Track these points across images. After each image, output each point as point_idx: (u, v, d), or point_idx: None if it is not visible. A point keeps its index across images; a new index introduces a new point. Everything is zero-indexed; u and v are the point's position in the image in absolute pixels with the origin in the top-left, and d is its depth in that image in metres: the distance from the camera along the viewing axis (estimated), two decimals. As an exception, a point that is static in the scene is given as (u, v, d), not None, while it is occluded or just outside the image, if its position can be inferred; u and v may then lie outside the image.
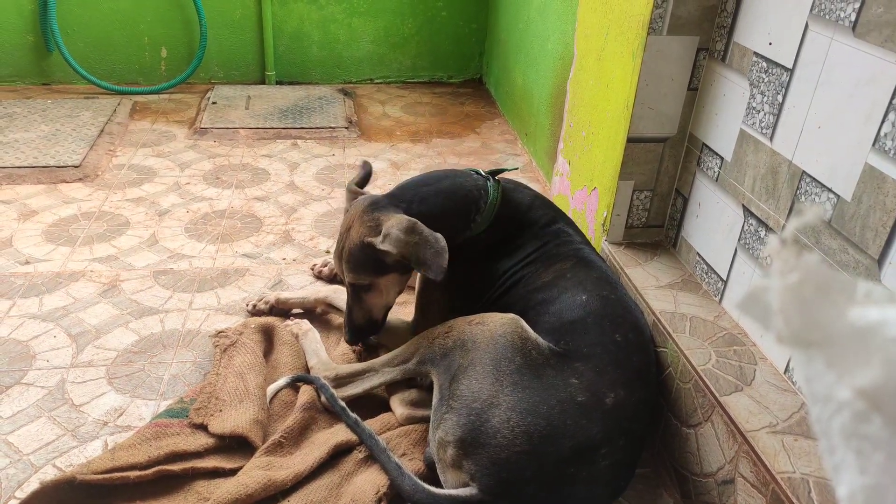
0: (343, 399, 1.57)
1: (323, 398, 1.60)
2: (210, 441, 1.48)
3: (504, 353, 1.35)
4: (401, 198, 1.57)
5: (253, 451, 1.49)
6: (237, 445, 1.49)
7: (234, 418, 1.51)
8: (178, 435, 1.47)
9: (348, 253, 1.53)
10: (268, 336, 1.80)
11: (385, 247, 1.45)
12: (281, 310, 1.95)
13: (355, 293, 1.59)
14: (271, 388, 1.64)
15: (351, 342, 1.68)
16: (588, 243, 1.67)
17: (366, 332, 1.65)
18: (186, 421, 1.51)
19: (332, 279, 2.11)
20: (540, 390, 1.31)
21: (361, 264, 1.52)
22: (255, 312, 1.93)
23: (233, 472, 1.44)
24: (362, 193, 1.68)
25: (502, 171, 1.71)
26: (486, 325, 1.42)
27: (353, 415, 1.54)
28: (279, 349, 1.77)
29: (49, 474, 1.45)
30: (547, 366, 1.35)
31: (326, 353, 1.72)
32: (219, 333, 1.77)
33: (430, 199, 1.56)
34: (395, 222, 1.46)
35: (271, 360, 1.75)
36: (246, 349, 1.71)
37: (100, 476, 1.35)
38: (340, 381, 1.61)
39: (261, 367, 1.68)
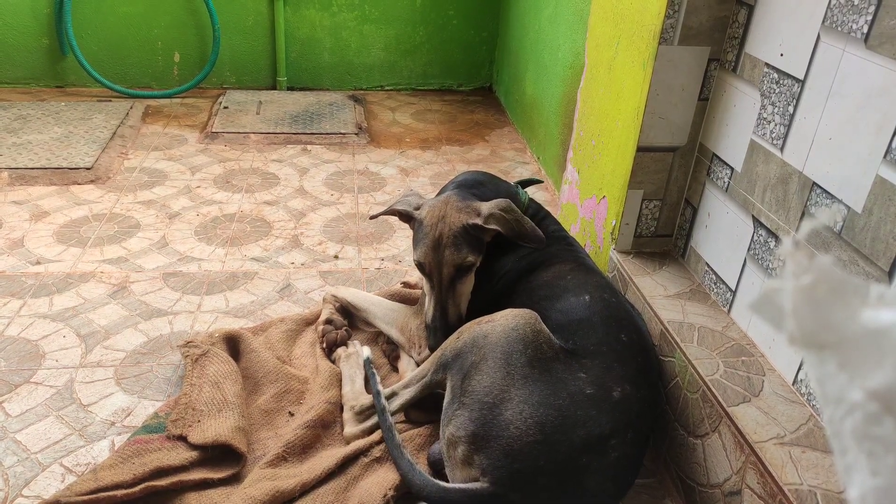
0: (366, 430, 1.57)
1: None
2: (194, 454, 1.46)
3: (515, 346, 1.37)
4: (473, 194, 1.72)
5: (238, 459, 1.48)
6: (222, 455, 1.48)
7: (215, 427, 1.49)
8: (160, 450, 1.45)
9: (451, 237, 1.61)
10: (233, 345, 1.79)
11: (491, 225, 1.60)
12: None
13: (450, 286, 1.63)
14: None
15: (437, 347, 1.60)
16: (588, 257, 1.76)
17: (453, 331, 1.59)
18: (165, 435, 1.49)
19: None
20: (550, 383, 1.33)
21: (466, 244, 1.62)
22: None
23: (222, 483, 1.43)
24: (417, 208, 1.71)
25: (529, 181, 1.89)
26: (496, 321, 1.44)
27: (384, 402, 1.54)
28: (246, 357, 1.75)
29: (56, 473, 1.45)
30: (556, 360, 1.37)
31: (362, 382, 1.69)
32: (188, 344, 1.74)
33: (490, 197, 1.72)
34: (494, 205, 1.64)
35: (240, 369, 1.72)
36: (219, 358, 1.69)
37: (85, 497, 1.33)
38: (366, 412, 1.60)
39: (236, 376, 1.66)
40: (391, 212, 1.73)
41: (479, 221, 1.61)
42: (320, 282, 2.18)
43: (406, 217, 1.71)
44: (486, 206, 1.63)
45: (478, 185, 1.77)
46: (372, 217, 1.82)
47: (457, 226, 1.61)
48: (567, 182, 2.32)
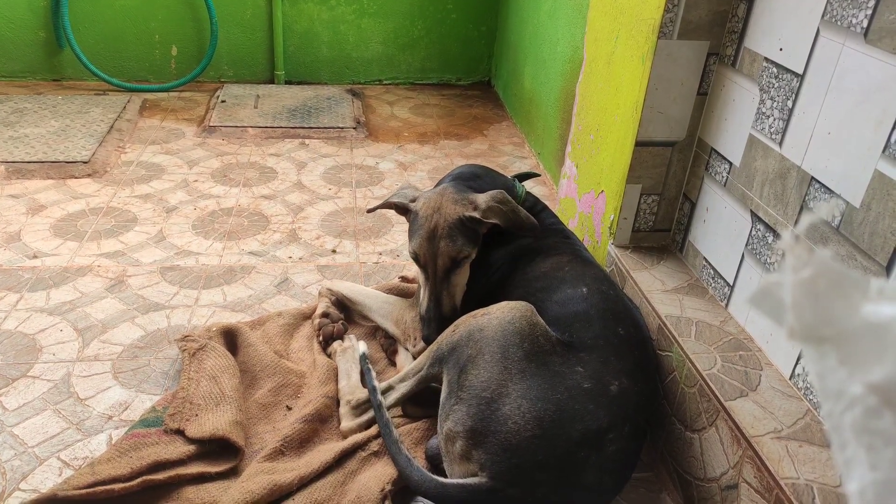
0: (362, 424, 1.57)
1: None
2: (191, 448, 1.45)
3: (512, 340, 1.37)
4: (470, 186, 1.72)
5: (236, 453, 1.47)
6: (219, 449, 1.48)
7: (213, 421, 1.49)
8: (158, 444, 1.44)
9: (446, 229, 1.61)
10: (231, 339, 1.78)
11: (490, 218, 1.60)
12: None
13: (445, 277, 1.63)
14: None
15: (432, 338, 1.60)
16: (586, 249, 1.76)
17: (447, 323, 1.58)
18: (162, 429, 1.49)
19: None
20: (548, 377, 1.33)
21: (461, 236, 1.62)
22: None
23: (220, 476, 1.42)
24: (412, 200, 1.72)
25: (526, 175, 1.90)
26: (492, 315, 1.43)
27: (381, 398, 1.54)
28: (244, 351, 1.75)
29: (53, 466, 1.45)
30: (553, 353, 1.37)
31: (358, 376, 1.69)
32: (185, 338, 1.74)
33: (486, 190, 1.71)
34: (489, 197, 1.64)
35: (238, 363, 1.72)
36: (216, 353, 1.68)
37: (82, 491, 1.32)
38: (362, 406, 1.60)
39: (234, 370, 1.66)
40: (387, 205, 1.74)
41: (476, 215, 1.61)
42: (318, 276, 2.18)
43: (402, 209, 1.72)
44: (482, 199, 1.63)
45: (474, 178, 1.77)
46: (369, 210, 1.82)
47: (453, 217, 1.61)
48: (565, 176, 2.32)
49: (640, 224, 1.87)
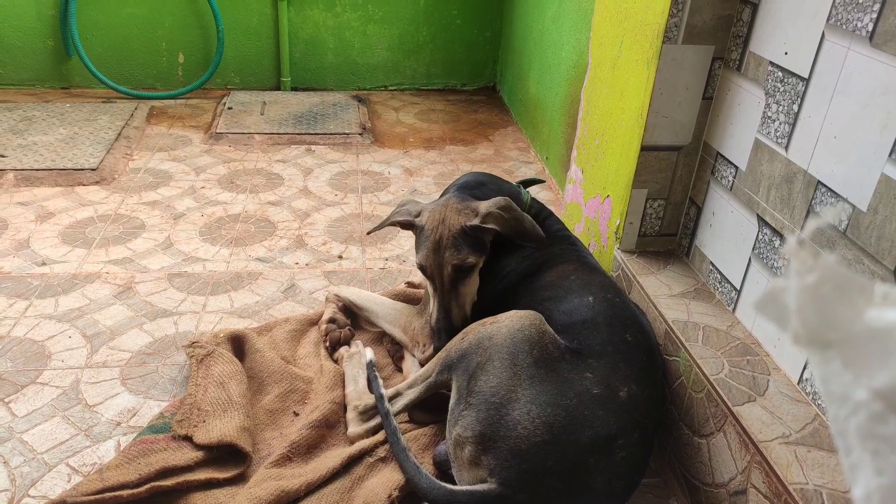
0: (370, 430, 1.57)
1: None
2: (199, 454, 1.46)
3: (521, 347, 1.37)
4: (474, 194, 1.73)
5: (244, 459, 1.48)
6: (227, 455, 1.48)
7: (220, 427, 1.49)
8: (166, 450, 1.45)
9: (451, 239, 1.62)
10: (238, 345, 1.79)
11: (490, 224, 1.60)
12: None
13: (452, 287, 1.63)
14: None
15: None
16: (591, 256, 1.77)
17: (458, 332, 1.59)
18: (170, 435, 1.49)
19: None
20: (557, 383, 1.33)
21: (466, 245, 1.62)
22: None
23: (227, 482, 1.43)
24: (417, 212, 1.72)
25: (531, 181, 1.91)
26: (501, 323, 1.44)
27: (388, 406, 1.55)
28: (251, 357, 1.75)
29: (62, 473, 1.46)
30: (562, 360, 1.37)
31: (365, 381, 1.69)
32: (192, 344, 1.74)
33: (490, 197, 1.71)
34: (492, 204, 1.63)
35: (245, 369, 1.72)
36: (224, 359, 1.69)
37: (91, 497, 1.33)
38: (369, 412, 1.60)
39: (241, 376, 1.66)
40: (390, 223, 1.74)
41: (476, 222, 1.61)
42: (324, 282, 2.18)
43: (407, 225, 1.72)
44: (483, 206, 1.64)
45: (479, 186, 1.77)
46: (369, 233, 1.85)
47: (456, 227, 1.62)
48: (571, 181, 2.32)
49: (647, 229, 1.87)
